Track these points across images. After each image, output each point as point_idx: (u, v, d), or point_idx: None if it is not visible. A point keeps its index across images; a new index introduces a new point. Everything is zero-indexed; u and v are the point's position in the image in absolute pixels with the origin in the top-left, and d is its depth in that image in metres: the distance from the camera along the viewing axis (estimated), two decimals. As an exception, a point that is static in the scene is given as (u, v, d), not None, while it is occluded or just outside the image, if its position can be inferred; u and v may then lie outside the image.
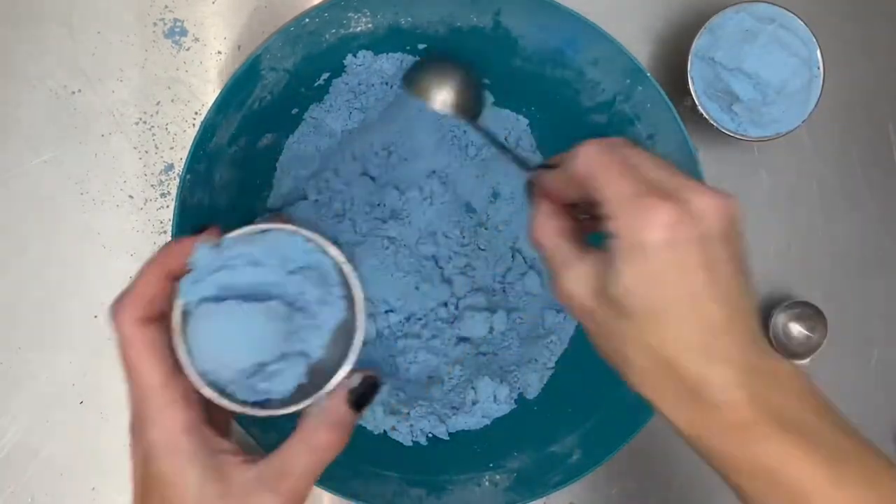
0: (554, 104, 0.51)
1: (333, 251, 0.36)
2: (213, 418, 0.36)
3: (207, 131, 0.44)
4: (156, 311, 0.35)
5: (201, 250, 0.34)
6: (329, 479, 0.47)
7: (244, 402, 0.35)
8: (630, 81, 0.47)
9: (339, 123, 0.50)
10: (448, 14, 0.47)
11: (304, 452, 0.35)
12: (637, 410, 0.47)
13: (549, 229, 0.37)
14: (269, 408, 0.35)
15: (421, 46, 0.49)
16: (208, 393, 0.35)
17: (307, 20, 0.44)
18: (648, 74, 0.46)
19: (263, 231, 0.35)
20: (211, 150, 0.44)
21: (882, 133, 0.60)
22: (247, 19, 0.54)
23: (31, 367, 0.53)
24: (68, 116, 0.53)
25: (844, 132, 0.59)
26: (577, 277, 0.35)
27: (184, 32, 0.54)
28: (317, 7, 0.44)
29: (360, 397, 0.36)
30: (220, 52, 0.54)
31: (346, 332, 0.36)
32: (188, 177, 0.43)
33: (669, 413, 0.34)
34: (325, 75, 0.48)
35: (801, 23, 0.53)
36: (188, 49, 0.54)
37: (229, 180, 0.46)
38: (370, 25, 0.47)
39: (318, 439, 0.35)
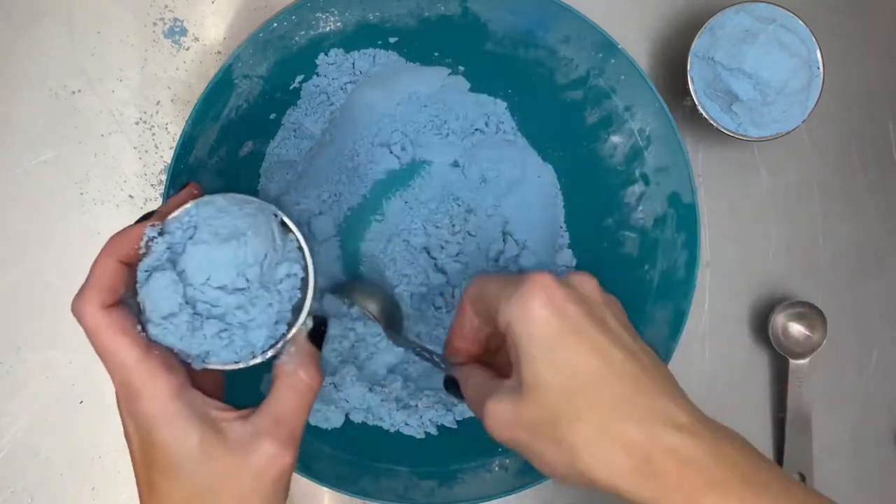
0: (530, 85, 0.51)
1: (285, 218, 0.39)
2: (197, 382, 0.37)
3: (186, 145, 0.44)
4: (116, 297, 0.36)
5: (149, 233, 0.36)
6: (338, 479, 0.48)
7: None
8: (602, 55, 0.48)
9: (317, 125, 0.50)
10: (416, 5, 0.48)
11: (291, 395, 0.37)
12: None
13: (477, 381, 0.39)
14: (240, 362, 0.38)
15: (392, 40, 0.49)
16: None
17: (275, 25, 0.45)
18: (620, 46, 0.47)
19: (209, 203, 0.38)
20: (192, 163, 0.45)
21: (882, 133, 0.60)
22: (247, 19, 0.54)
23: (31, 367, 0.53)
24: (68, 116, 0.53)
25: (844, 132, 0.59)
26: (496, 400, 0.36)
27: (184, 32, 0.54)
28: (284, 11, 0.45)
29: (317, 334, 0.39)
30: (219, 52, 0.54)
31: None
32: (171, 192, 0.44)
33: (632, 493, 0.33)
34: (300, 78, 0.49)
35: (801, 23, 0.53)
36: (188, 49, 0.54)
37: (214, 191, 0.47)
38: (339, 24, 0.47)
39: (299, 380, 0.37)
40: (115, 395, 0.36)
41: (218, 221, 0.36)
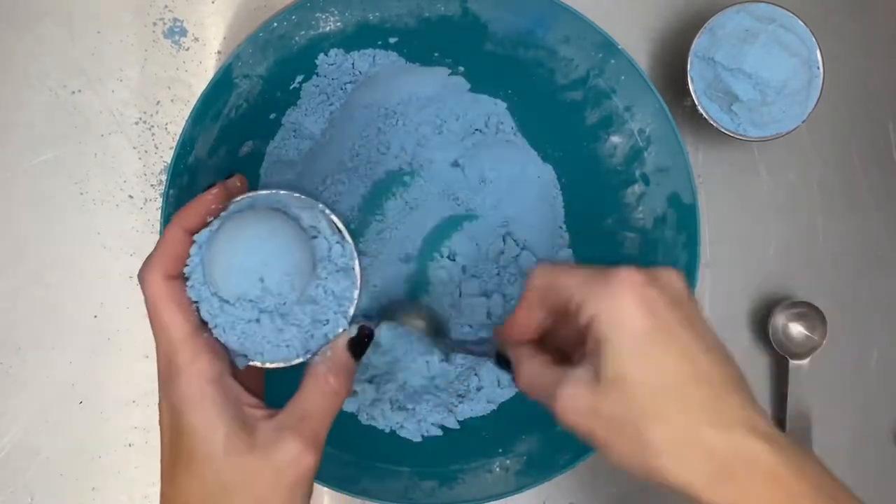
0: (530, 85, 0.51)
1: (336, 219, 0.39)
2: (239, 375, 0.37)
3: (186, 145, 0.44)
4: (180, 267, 0.37)
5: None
6: (339, 479, 0.48)
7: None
8: (602, 55, 0.48)
9: (317, 125, 0.50)
10: (416, 5, 0.48)
11: (318, 397, 0.37)
12: None
13: (536, 366, 0.39)
14: (283, 361, 0.38)
15: (392, 40, 0.49)
16: (231, 343, 0.37)
17: (275, 24, 0.45)
18: (620, 47, 0.47)
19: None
20: (192, 163, 0.45)
21: (882, 133, 0.60)
22: (246, 19, 0.54)
23: (31, 367, 0.53)
24: (68, 116, 0.53)
25: (844, 132, 0.59)
26: (572, 389, 0.35)
27: (183, 32, 0.54)
28: (284, 11, 0.45)
29: (358, 344, 0.39)
30: (219, 52, 0.54)
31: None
32: (171, 192, 0.44)
33: (707, 498, 0.33)
34: (299, 78, 0.49)
35: (801, 23, 0.53)
36: (188, 49, 0.54)
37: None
38: (339, 24, 0.47)
39: (328, 384, 0.37)
40: (157, 376, 0.37)
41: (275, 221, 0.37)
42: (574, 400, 0.35)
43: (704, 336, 0.36)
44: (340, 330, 0.39)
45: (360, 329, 0.39)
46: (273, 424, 0.36)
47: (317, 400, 0.37)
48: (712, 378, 0.34)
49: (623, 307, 0.34)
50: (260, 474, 0.35)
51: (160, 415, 0.37)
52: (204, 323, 0.36)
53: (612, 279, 0.35)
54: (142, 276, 0.36)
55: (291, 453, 0.35)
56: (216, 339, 0.36)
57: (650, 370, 0.34)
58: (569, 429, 0.36)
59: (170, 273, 0.36)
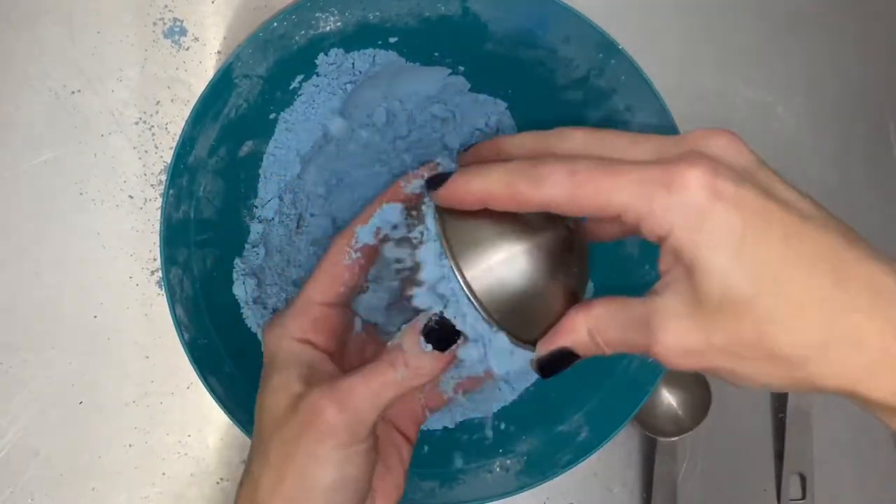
0: (530, 85, 0.51)
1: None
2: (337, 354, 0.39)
3: (186, 145, 0.44)
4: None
5: None
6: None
7: None
8: (603, 55, 0.48)
9: (316, 125, 0.50)
10: (416, 5, 0.48)
11: (362, 382, 0.35)
12: (639, 385, 0.48)
13: (618, 312, 0.33)
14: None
15: (392, 40, 0.49)
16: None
17: (275, 24, 0.45)
18: (620, 47, 0.47)
19: None
20: (192, 163, 0.45)
21: (882, 133, 0.60)
22: (247, 19, 0.54)
23: (30, 368, 0.53)
24: (68, 116, 0.53)
25: (844, 132, 0.59)
26: (674, 328, 0.30)
27: (183, 32, 0.54)
28: (284, 11, 0.45)
29: (432, 333, 0.35)
30: (219, 52, 0.54)
31: None
32: (171, 191, 0.44)
33: (870, 391, 0.29)
34: (299, 78, 0.49)
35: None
36: (188, 49, 0.54)
37: (213, 191, 0.47)
38: (339, 24, 0.47)
39: (375, 372, 0.35)
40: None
41: None
42: (681, 340, 0.29)
43: (795, 202, 0.30)
44: (430, 313, 0.35)
45: (436, 315, 0.35)
46: (323, 388, 0.35)
47: (360, 383, 0.35)
48: (827, 252, 0.29)
49: (705, 216, 0.28)
50: (287, 425, 0.35)
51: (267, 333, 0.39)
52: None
53: (677, 183, 0.28)
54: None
55: (310, 402, 0.34)
56: (344, 318, 0.39)
57: (761, 277, 0.28)
58: (679, 370, 0.31)
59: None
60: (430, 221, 0.35)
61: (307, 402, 0.35)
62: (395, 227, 0.40)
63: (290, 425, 0.35)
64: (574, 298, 0.36)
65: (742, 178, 0.29)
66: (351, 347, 0.42)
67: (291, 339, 0.38)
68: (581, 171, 0.30)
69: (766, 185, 0.30)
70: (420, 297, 0.36)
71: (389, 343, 0.36)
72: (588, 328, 0.33)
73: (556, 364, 0.35)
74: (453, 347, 0.35)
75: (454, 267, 0.34)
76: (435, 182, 0.35)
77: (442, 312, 0.35)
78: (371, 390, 0.35)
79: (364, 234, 0.40)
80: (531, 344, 0.36)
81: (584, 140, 0.33)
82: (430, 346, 0.35)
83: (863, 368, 0.28)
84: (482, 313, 0.34)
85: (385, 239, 0.40)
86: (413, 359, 0.35)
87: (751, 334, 0.29)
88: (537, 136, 0.35)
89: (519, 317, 0.35)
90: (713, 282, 0.28)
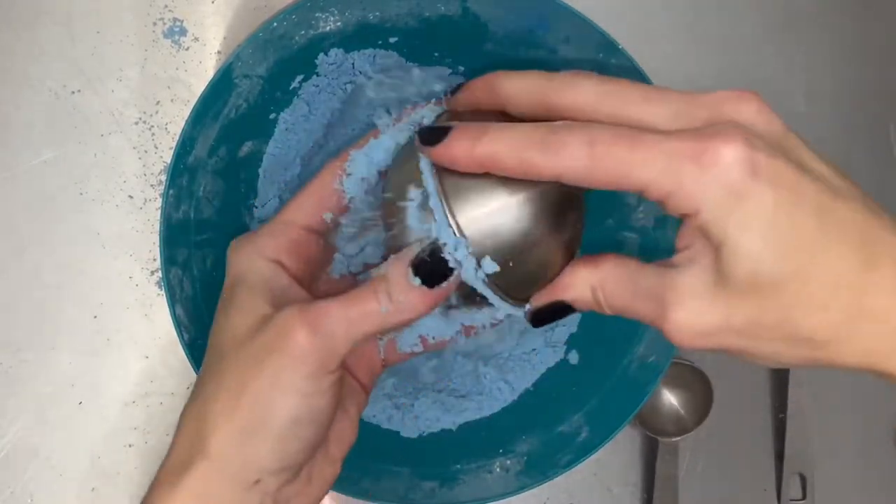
0: None
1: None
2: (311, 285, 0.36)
3: (186, 145, 0.44)
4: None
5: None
6: (339, 479, 0.47)
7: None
8: (603, 55, 0.48)
9: (316, 125, 0.50)
10: (415, 5, 0.48)
11: (340, 307, 0.31)
12: (640, 385, 0.48)
13: (632, 274, 0.31)
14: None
15: (392, 40, 0.49)
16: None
17: (275, 24, 0.45)
18: (620, 47, 0.47)
19: None
20: (191, 163, 0.45)
21: (882, 133, 0.60)
22: (247, 19, 0.54)
23: (30, 368, 0.53)
24: (68, 116, 0.53)
25: (844, 132, 0.59)
26: (691, 305, 0.28)
27: (183, 32, 0.54)
28: (284, 11, 0.45)
29: (423, 266, 0.31)
30: (219, 52, 0.54)
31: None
32: (171, 191, 0.44)
33: (891, 367, 0.28)
34: (299, 78, 0.48)
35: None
36: (188, 49, 0.54)
37: (213, 191, 0.47)
38: (339, 24, 0.47)
39: (355, 299, 0.32)
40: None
41: None
42: (696, 321, 0.28)
43: (823, 172, 0.29)
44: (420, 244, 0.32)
45: (431, 251, 0.31)
46: (297, 307, 0.31)
47: (338, 308, 0.31)
48: (856, 229, 0.28)
49: (740, 196, 0.26)
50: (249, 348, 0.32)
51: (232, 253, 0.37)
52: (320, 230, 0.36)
53: (709, 159, 0.26)
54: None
55: (280, 322, 0.31)
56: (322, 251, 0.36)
57: (792, 260, 0.27)
58: (691, 349, 0.30)
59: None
60: (426, 167, 0.33)
61: (277, 320, 0.31)
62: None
63: (254, 345, 0.31)
64: (570, 251, 0.34)
65: (775, 150, 0.27)
66: (322, 286, 0.38)
67: (264, 259, 0.35)
68: (600, 142, 0.28)
69: (798, 157, 0.28)
70: (413, 218, 0.33)
71: (374, 271, 0.33)
72: (592, 285, 0.32)
73: (551, 316, 0.33)
74: (444, 285, 0.31)
75: (449, 215, 0.32)
76: (429, 137, 0.31)
77: (435, 240, 0.32)
78: (348, 318, 0.31)
79: (360, 161, 0.37)
80: (522, 301, 0.34)
81: (595, 92, 0.30)
82: (418, 280, 0.31)
83: (886, 345, 0.27)
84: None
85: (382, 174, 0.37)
86: (398, 292, 0.31)
87: (773, 316, 0.27)
88: (541, 80, 0.32)
89: (513, 270, 0.32)
90: (742, 264, 0.27)
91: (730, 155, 0.26)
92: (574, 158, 0.28)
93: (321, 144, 0.51)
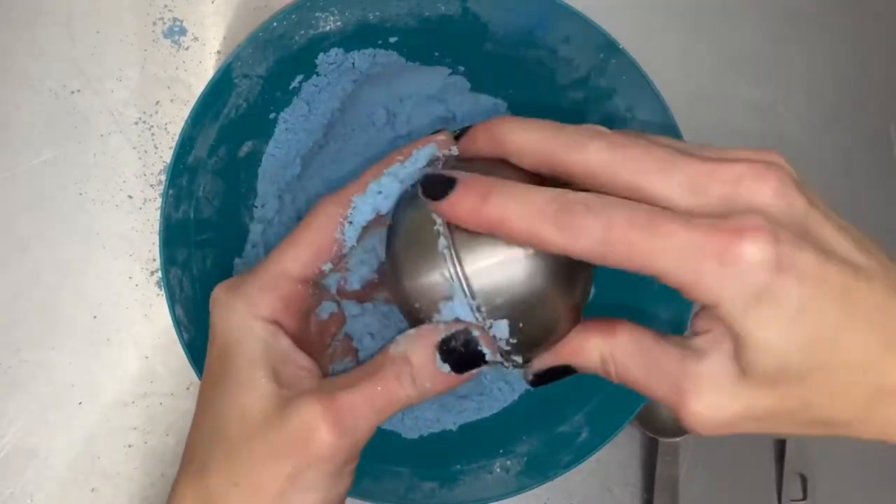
0: (530, 85, 0.51)
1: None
2: (307, 340, 0.34)
3: (185, 145, 0.44)
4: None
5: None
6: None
7: None
8: (603, 56, 0.48)
9: (317, 125, 0.50)
10: (415, 5, 0.48)
11: (365, 401, 0.30)
12: None
13: (651, 352, 0.29)
14: None
15: (392, 40, 0.49)
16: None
17: (275, 24, 0.45)
18: (621, 46, 0.47)
19: None
20: (191, 163, 0.45)
21: (882, 133, 0.60)
22: (247, 19, 0.54)
23: (30, 368, 0.53)
24: (68, 116, 0.53)
25: (844, 132, 0.59)
26: (712, 397, 0.27)
27: (183, 32, 0.54)
28: (284, 10, 0.45)
29: (454, 354, 0.30)
30: (219, 52, 0.54)
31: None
32: (171, 191, 0.43)
33: None
34: (299, 78, 0.48)
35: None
36: (188, 49, 0.54)
37: (213, 191, 0.47)
38: (339, 23, 0.47)
39: (379, 387, 0.30)
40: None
41: None
42: (716, 414, 0.27)
43: (845, 251, 0.28)
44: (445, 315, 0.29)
45: (460, 329, 0.29)
46: (312, 383, 0.30)
47: (357, 393, 0.30)
48: (877, 310, 0.27)
49: (763, 292, 0.25)
50: (264, 440, 0.30)
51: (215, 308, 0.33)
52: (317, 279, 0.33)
53: (732, 255, 0.25)
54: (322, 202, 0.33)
55: (303, 417, 0.29)
56: (314, 302, 0.34)
57: (816, 350, 0.26)
58: (703, 435, 0.28)
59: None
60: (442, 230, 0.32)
61: (295, 416, 0.29)
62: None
63: (269, 440, 0.30)
64: (578, 312, 0.33)
65: (800, 240, 0.26)
66: (312, 328, 0.37)
67: (260, 321, 0.32)
68: (617, 226, 0.26)
69: (822, 239, 0.27)
70: (447, 310, 0.30)
71: (392, 348, 0.31)
72: (603, 354, 0.30)
73: (552, 377, 0.32)
74: (474, 372, 0.30)
75: (456, 262, 0.30)
76: (433, 189, 0.30)
77: (469, 331, 0.30)
78: (374, 410, 0.30)
79: (363, 209, 0.35)
80: (525, 360, 0.33)
81: (606, 159, 0.28)
82: (447, 367, 0.30)
83: None
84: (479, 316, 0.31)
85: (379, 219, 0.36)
86: (425, 379, 0.30)
87: (796, 403, 0.27)
88: (548, 136, 0.30)
89: (522, 331, 0.31)
90: (765, 359, 0.26)
91: (754, 254, 0.25)
92: (589, 241, 0.27)
93: (321, 144, 0.51)
